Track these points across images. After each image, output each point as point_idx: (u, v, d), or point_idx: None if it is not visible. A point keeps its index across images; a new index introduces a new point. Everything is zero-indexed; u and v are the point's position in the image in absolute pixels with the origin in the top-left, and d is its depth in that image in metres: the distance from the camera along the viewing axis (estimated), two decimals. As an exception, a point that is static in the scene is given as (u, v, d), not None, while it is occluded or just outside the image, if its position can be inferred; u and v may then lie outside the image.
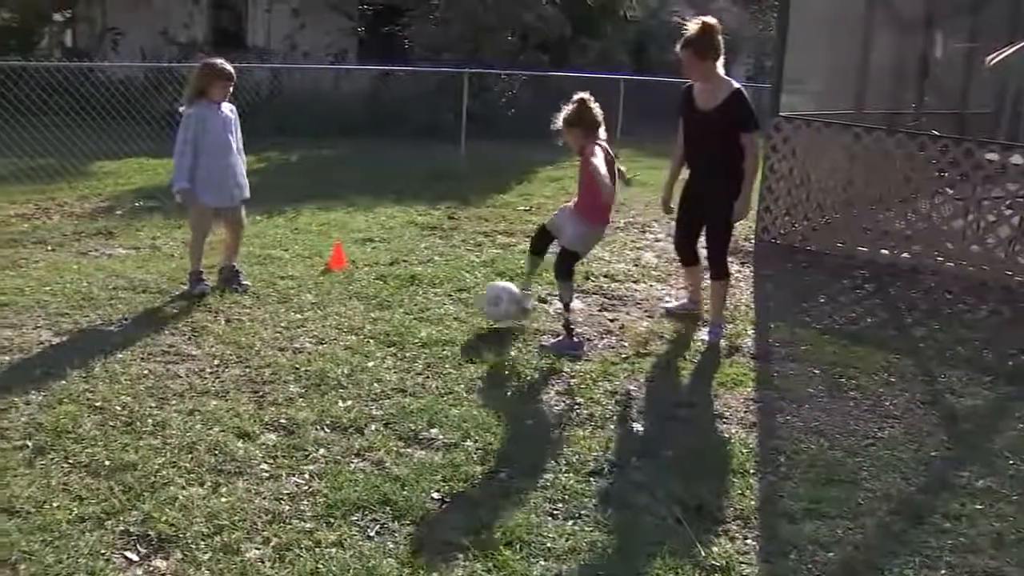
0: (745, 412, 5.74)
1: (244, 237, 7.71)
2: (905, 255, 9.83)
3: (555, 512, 4.37)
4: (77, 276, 7.76)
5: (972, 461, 5.24)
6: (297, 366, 5.96)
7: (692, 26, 6.63)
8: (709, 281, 7.17)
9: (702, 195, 6.99)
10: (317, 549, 3.93)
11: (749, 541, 4.25)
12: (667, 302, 7.92)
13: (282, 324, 6.81)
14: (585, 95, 6.55)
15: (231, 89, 7.43)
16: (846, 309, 8.18)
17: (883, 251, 10.06)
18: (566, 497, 4.50)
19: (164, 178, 13.15)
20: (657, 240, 10.59)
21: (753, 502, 4.59)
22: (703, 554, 4.08)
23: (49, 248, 8.81)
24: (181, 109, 7.43)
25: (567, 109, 6.55)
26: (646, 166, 16.32)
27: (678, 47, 6.67)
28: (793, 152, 10.62)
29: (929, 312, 8.29)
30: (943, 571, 4.11)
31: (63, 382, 5.53)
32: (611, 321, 7.37)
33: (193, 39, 22.16)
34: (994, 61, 12.77)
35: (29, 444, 4.73)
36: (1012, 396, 6.36)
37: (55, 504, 4.16)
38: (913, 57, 14.32)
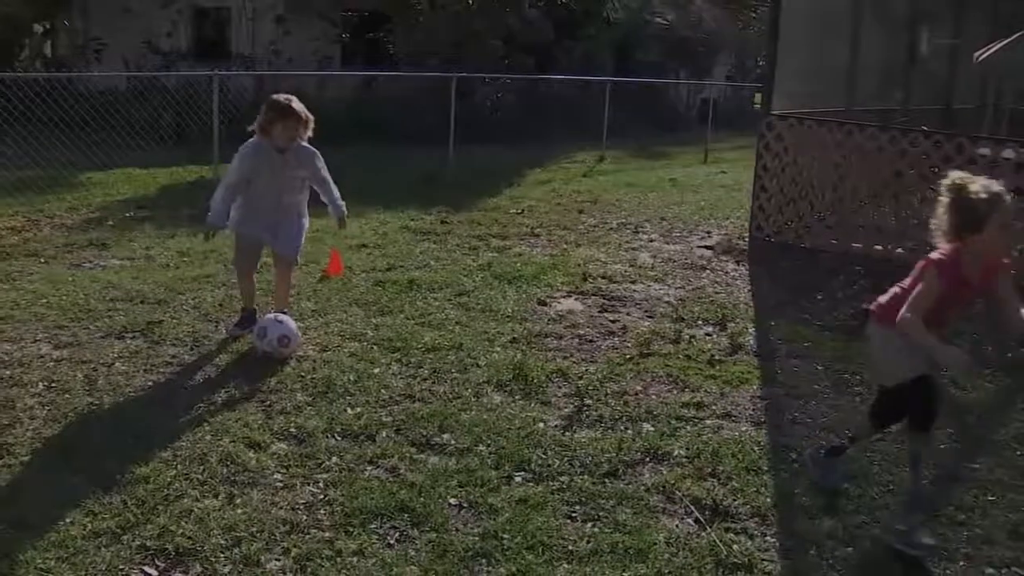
0: (753, 410, 5.75)
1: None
2: (900, 251, 9.82)
3: (573, 515, 4.36)
4: (73, 288, 7.65)
5: (980, 453, 5.29)
6: (303, 374, 5.92)
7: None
8: None
9: None
10: (338, 559, 3.91)
11: (769, 538, 4.26)
12: None
13: (284, 332, 6.74)
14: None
15: (301, 131, 6.78)
16: (844, 305, 8.16)
17: (877, 247, 10.08)
18: (583, 499, 4.49)
19: (153, 188, 13.15)
20: (651, 240, 10.59)
21: (769, 499, 4.60)
22: (725, 553, 4.08)
23: (42, 261, 8.71)
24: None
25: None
26: (634, 167, 16.37)
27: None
28: (785, 150, 10.64)
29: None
30: (961, 563, 4.15)
31: (67, 396, 5.47)
32: (612, 322, 7.36)
33: (176, 48, 22.08)
34: (982, 57, 12.92)
35: (37, 460, 4.68)
36: (1013, 388, 6.45)
37: (68, 519, 4.12)
38: (900, 53, 14.43)
